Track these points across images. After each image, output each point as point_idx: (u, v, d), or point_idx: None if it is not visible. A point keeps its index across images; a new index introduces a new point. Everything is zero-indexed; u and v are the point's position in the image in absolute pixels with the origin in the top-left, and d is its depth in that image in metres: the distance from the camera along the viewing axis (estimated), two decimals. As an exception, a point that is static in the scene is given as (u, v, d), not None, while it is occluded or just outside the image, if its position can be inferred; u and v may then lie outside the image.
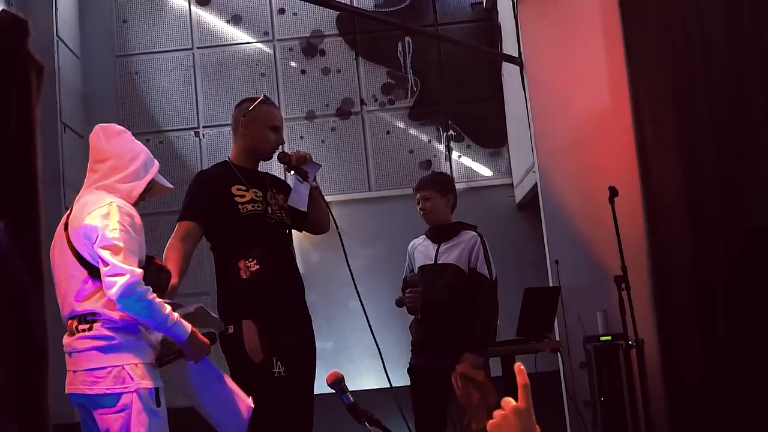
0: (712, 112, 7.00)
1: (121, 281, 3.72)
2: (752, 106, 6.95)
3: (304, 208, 4.81)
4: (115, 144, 4.11)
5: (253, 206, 4.66)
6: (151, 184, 4.20)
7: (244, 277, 4.53)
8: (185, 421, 4.34)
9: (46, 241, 1.58)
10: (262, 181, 4.85)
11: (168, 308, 3.85)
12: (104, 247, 3.80)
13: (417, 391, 5.64)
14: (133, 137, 4.22)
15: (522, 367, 1.89)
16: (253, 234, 4.63)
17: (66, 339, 3.96)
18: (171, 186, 4.34)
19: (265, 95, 4.98)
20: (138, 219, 3.98)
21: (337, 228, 4.90)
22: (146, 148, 4.23)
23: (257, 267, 4.54)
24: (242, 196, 4.68)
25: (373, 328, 4.71)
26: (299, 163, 4.76)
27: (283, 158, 4.79)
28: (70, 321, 3.95)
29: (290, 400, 4.48)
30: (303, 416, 4.64)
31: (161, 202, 8.50)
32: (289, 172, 4.90)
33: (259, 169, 4.93)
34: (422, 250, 5.81)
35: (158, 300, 3.83)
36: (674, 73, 7.13)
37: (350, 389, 3.06)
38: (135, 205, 4.09)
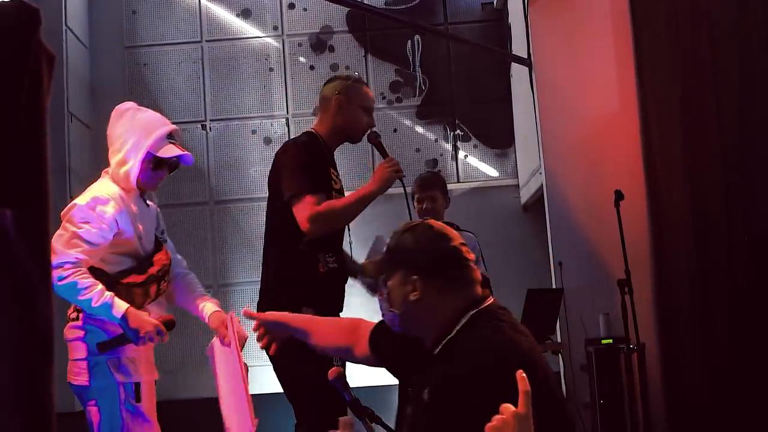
0: (720, 119, 7.00)
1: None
2: (760, 114, 6.94)
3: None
4: (116, 126, 4.02)
5: (338, 197, 4.42)
6: (158, 161, 4.00)
7: (322, 271, 4.31)
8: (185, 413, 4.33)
9: (53, 231, 1.58)
10: (337, 169, 4.63)
11: (97, 288, 3.72)
12: (59, 229, 3.78)
13: None
14: (138, 114, 4.04)
15: (523, 374, 1.91)
16: None
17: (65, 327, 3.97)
18: (180, 153, 4.05)
19: (358, 74, 4.80)
20: (113, 208, 3.85)
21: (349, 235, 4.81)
22: (146, 123, 4.01)
23: (335, 265, 4.36)
24: (335, 182, 4.45)
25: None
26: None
27: (374, 138, 4.60)
28: (69, 309, 3.95)
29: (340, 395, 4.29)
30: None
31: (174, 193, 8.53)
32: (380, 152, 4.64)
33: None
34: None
35: (85, 281, 3.70)
36: (683, 79, 7.12)
37: (351, 386, 3.06)
38: (150, 188, 4.06)
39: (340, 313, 4.53)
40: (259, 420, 4.00)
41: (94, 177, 4.13)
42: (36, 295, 1.52)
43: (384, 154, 4.56)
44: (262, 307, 4.35)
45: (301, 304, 4.22)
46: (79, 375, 3.83)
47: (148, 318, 3.85)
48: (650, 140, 7.20)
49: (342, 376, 3.06)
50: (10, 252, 1.51)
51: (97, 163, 4.08)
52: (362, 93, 4.57)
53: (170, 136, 4.03)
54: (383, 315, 2.91)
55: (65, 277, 3.66)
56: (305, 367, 4.18)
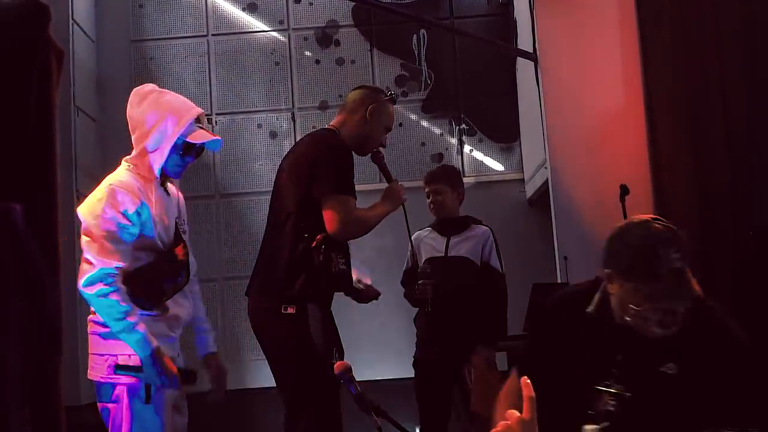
0: (726, 114, 6.99)
1: (87, 272, 3.61)
2: (766, 108, 6.93)
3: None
4: (139, 110, 3.87)
5: (357, 199, 4.39)
6: (188, 146, 3.87)
7: (333, 271, 4.26)
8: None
9: (62, 224, 1.58)
10: None
11: (135, 318, 3.63)
12: (83, 233, 3.70)
13: (422, 384, 5.65)
14: (162, 97, 3.92)
15: (528, 380, 1.91)
16: None
17: None
18: (212, 137, 3.92)
19: (393, 92, 4.77)
20: (132, 201, 3.71)
21: None
22: (174, 107, 3.87)
23: (344, 267, 4.34)
24: (355, 185, 4.40)
25: (379, 320, 4.70)
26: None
27: (380, 159, 4.62)
28: None
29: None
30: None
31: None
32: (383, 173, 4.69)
33: None
34: (430, 242, 5.78)
35: (126, 305, 3.63)
36: (689, 73, 7.11)
37: (357, 379, 3.07)
38: (176, 176, 3.94)
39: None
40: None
41: (100, 169, 4.04)
42: (46, 287, 1.53)
43: (388, 175, 4.61)
44: (265, 293, 4.37)
45: (308, 300, 4.23)
46: (93, 370, 3.76)
47: (171, 365, 3.74)
48: (656, 135, 7.19)
49: (348, 370, 3.07)
50: (20, 245, 1.52)
51: (104, 156, 4.03)
52: (390, 113, 4.59)
53: (197, 120, 3.91)
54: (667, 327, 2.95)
55: (107, 294, 3.60)
56: (306, 363, 4.21)
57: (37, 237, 1.50)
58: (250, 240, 9.09)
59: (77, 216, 3.77)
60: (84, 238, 3.69)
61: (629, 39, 7.38)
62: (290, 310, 4.22)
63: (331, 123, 4.58)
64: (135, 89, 3.94)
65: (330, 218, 4.18)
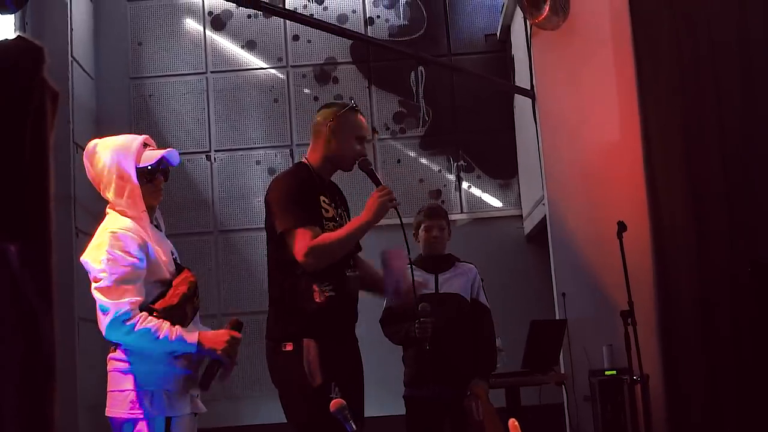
0: (722, 149, 7.03)
1: (105, 320, 3.64)
2: (763, 142, 6.97)
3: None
4: (95, 165, 3.90)
5: (333, 225, 4.38)
6: (149, 171, 3.89)
7: (318, 300, 4.26)
8: None
9: (56, 262, 1.60)
10: (334, 196, 4.59)
11: (166, 325, 3.70)
12: (93, 280, 3.72)
13: (415, 422, 5.65)
14: (105, 142, 3.93)
15: (516, 423, 1.91)
16: None
17: None
18: (163, 152, 3.94)
19: (354, 102, 4.67)
20: (135, 240, 3.75)
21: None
22: (118, 144, 3.89)
23: (332, 293, 4.29)
24: (326, 211, 4.40)
25: (371, 356, 4.65)
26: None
27: (366, 165, 4.51)
28: None
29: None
30: None
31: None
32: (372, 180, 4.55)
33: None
34: (417, 279, 5.79)
35: (152, 323, 3.67)
36: (685, 109, 7.16)
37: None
38: (155, 200, 3.96)
39: (353, 334, 4.52)
40: None
41: (99, 207, 4.06)
42: (40, 323, 1.54)
43: (376, 182, 4.50)
44: (270, 334, 4.37)
45: (303, 335, 4.24)
46: (113, 407, 3.76)
47: (217, 332, 3.87)
48: (653, 170, 7.22)
49: (344, 408, 3.07)
50: (16, 284, 1.53)
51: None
52: (355, 121, 4.53)
53: (145, 145, 3.95)
54: None
55: (131, 331, 3.64)
56: (307, 400, 4.19)
57: (33, 276, 1.51)
58: (249, 276, 9.09)
59: (81, 262, 3.79)
60: (93, 285, 3.70)
61: (626, 74, 7.43)
62: (288, 347, 4.25)
63: (305, 155, 4.59)
64: (84, 152, 3.98)
65: (294, 253, 4.21)
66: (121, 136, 4.00)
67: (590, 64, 7.55)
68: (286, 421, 4.38)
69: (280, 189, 4.39)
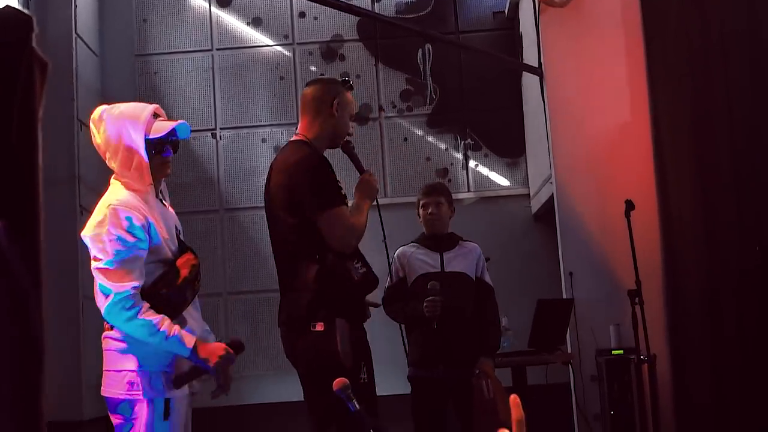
0: (732, 130, 6.98)
1: (104, 302, 3.60)
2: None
3: None
4: (101, 132, 3.80)
5: (349, 202, 4.37)
6: (159, 143, 3.80)
7: (356, 279, 4.23)
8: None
9: (46, 241, 1.56)
10: None
11: (166, 322, 3.63)
12: (93, 259, 3.66)
13: (420, 401, 5.65)
14: (114, 110, 3.83)
15: (518, 400, 1.86)
16: None
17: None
18: (174, 124, 3.85)
19: (349, 79, 4.63)
20: (137, 219, 3.65)
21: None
22: (128, 114, 3.79)
23: (364, 269, 4.28)
24: (341, 188, 4.35)
25: (374, 334, 4.61)
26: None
27: (350, 149, 4.56)
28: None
29: (370, 408, 4.11)
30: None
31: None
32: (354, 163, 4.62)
33: None
34: (421, 257, 5.78)
35: (155, 317, 3.61)
36: (694, 88, 7.10)
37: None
38: (163, 174, 3.87)
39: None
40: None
41: (103, 184, 3.95)
42: (29, 303, 1.51)
43: (359, 165, 4.56)
44: (293, 320, 4.30)
45: (332, 310, 4.19)
46: (110, 387, 3.71)
47: (216, 344, 3.79)
48: (662, 149, 7.18)
49: (347, 387, 3.05)
50: (4, 260, 1.49)
51: (107, 171, 3.92)
52: (351, 100, 4.52)
53: (155, 115, 3.85)
54: None
55: (132, 318, 3.58)
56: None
57: (20, 251, 1.47)
58: (255, 254, 9.06)
59: (81, 239, 3.73)
60: (93, 264, 3.65)
61: (635, 53, 7.38)
62: (318, 327, 4.17)
63: (298, 129, 4.50)
64: (90, 118, 3.88)
65: (328, 236, 4.18)
66: (130, 104, 3.91)
67: (599, 42, 7.50)
68: (283, 400, 4.35)
69: (306, 174, 4.27)
